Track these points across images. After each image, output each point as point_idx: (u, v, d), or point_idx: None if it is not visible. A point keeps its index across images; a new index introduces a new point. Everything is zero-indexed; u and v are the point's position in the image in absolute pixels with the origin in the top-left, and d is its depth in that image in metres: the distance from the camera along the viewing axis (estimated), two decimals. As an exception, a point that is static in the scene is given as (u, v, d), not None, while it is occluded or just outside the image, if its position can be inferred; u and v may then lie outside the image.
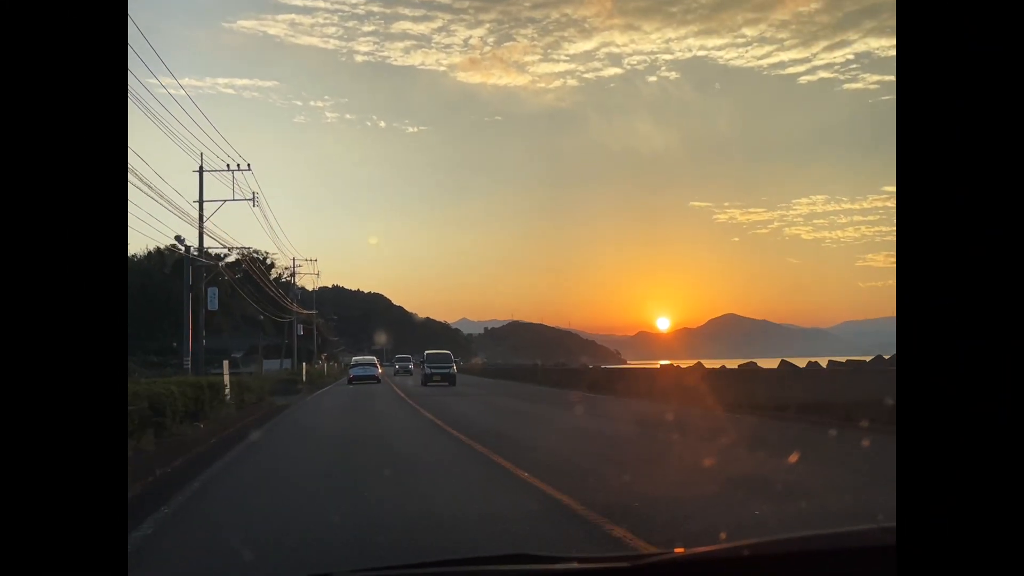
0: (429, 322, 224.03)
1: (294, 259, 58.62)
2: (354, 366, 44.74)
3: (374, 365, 43.99)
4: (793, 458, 9.64)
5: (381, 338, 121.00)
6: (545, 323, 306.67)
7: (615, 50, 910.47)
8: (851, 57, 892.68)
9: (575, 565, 1.58)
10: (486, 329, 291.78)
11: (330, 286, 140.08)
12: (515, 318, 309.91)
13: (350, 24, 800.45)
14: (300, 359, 54.17)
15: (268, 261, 67.51)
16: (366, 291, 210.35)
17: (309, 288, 67.80)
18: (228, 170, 29.77)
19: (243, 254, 50.75)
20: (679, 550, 1.67)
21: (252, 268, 46.92)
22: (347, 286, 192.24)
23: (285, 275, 59.33)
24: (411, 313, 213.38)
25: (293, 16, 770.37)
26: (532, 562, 1.61)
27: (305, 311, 60.22)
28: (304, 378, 39.54)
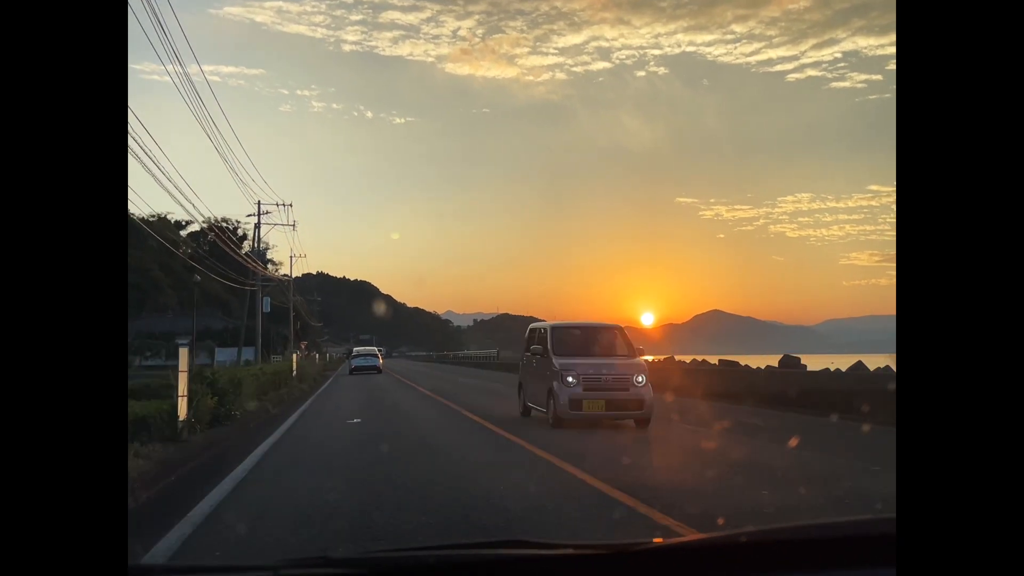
0: (419, 312, 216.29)
1: (259, 203, 40.70)
2: (355, 356, 46.20)
3: (375, 355, 45.35)
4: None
5: (369, 327, 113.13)
6: (535, 316, 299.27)
7: (604, 44, 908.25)
8: (839, 55, 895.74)
9: (570, 551, 1.57)
10: (475, 321, 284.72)
11: (315, 273, 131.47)
12: (501, 311, 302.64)
13: (338, 13, 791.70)
14: (267, 348, 41.34)
15: (239, 232, 58.14)
16: (352, 278, 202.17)
17: (292, 274, 56.42)
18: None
19: (208, 221, 41.64)
20: (658, 540, 1.70)
21: (220, 236, 37.87)
22: (333, 274, 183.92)
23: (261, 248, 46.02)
24: (400, 303, 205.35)
25: (281, 4, 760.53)
26: (527, 547, 1.60)
27: (276, 276, 47.66)
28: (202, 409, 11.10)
